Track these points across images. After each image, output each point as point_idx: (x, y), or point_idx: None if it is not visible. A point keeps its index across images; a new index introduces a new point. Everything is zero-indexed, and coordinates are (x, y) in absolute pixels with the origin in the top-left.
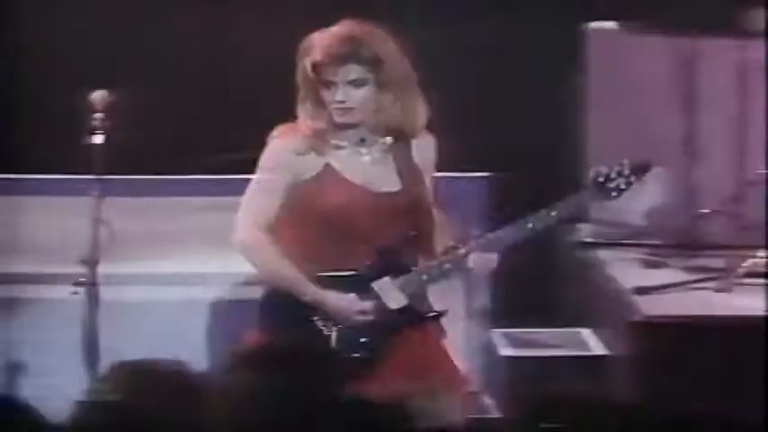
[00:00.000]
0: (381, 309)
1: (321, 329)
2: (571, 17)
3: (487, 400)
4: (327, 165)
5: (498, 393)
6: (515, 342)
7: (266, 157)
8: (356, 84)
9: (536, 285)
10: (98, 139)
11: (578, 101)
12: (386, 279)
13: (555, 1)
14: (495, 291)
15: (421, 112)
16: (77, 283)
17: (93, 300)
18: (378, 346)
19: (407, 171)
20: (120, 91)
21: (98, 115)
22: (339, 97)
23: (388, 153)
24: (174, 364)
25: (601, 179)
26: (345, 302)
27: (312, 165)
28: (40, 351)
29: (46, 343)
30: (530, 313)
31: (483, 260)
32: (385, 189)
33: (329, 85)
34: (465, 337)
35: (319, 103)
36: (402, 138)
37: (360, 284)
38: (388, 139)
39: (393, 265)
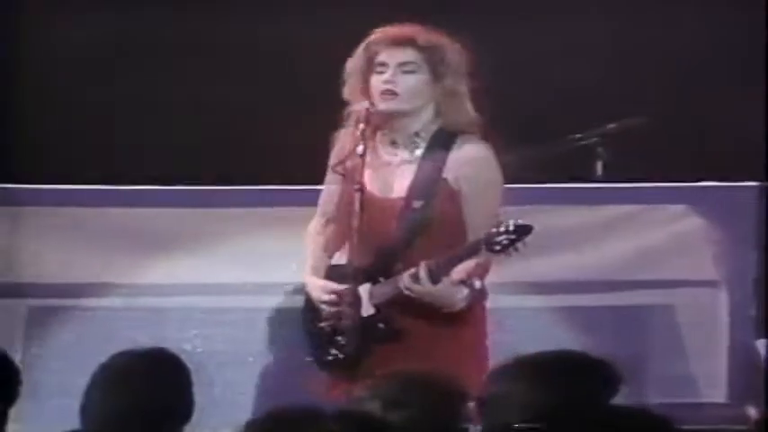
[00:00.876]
0: (357, 313)
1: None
2: None
3: (752, 411)
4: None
5: (763, 403)
6: None
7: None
8: (406, 69)
9: None
10: (360, 149)
11: None
12: (367, 285)
13: None
14: (763, 299)
15: (466, 120)
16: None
17: None
18: (351, 348)
19: (425, 182)
20: None
21: (360, 126)
22: (386, 77)
23: (415, 158)
24: (439, 374)
25: (493, 230)
26: (318, 289)
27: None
28: None
29: None
30: None
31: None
32: (388, 195)
33: (380, 69)
34: (730, 346)
35: (365, 93)
36: (437, 146)
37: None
38: (421, 145)
39: (372, 273)
